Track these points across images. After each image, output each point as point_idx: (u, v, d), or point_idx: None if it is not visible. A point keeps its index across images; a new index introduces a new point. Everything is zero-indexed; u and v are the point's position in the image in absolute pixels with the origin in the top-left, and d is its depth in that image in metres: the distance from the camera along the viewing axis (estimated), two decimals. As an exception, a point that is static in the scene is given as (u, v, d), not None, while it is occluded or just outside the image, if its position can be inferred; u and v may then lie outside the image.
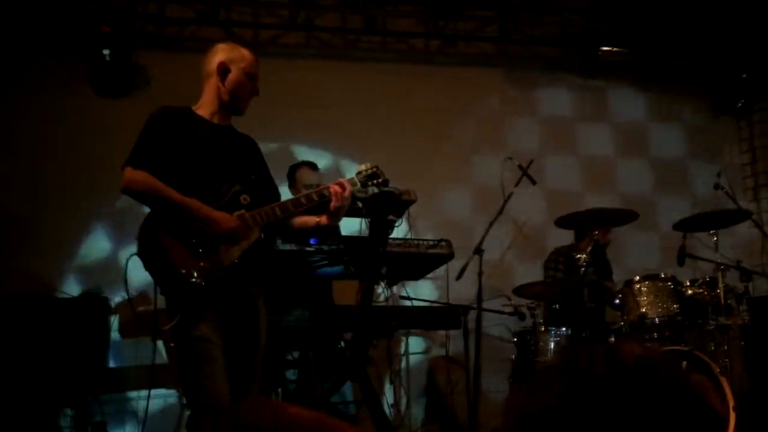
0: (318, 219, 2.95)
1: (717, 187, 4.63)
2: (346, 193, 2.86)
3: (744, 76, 6.22)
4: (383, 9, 5.61)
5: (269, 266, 2.85)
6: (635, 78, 6.29)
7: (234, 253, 2.64)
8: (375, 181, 2.94)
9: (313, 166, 4.51)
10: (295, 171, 4.48)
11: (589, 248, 4.20)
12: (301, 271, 3.70)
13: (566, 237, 5.20)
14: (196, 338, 2.53)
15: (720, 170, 4.64)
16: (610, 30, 5.98)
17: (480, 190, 5.70)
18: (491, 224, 4.47)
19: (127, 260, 2.67)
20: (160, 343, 4.99)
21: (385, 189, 3.16)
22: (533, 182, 4.56)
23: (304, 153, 5.32)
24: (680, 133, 6.43)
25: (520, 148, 5.63)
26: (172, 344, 2.71)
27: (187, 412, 4.96)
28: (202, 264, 2.57)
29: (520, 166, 4.56)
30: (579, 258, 4.04)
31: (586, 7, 5.94)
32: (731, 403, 3.89)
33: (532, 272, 5.34)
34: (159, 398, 4.93)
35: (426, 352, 5.53)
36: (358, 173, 2.94)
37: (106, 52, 4.89)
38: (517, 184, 4.54)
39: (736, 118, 6.52)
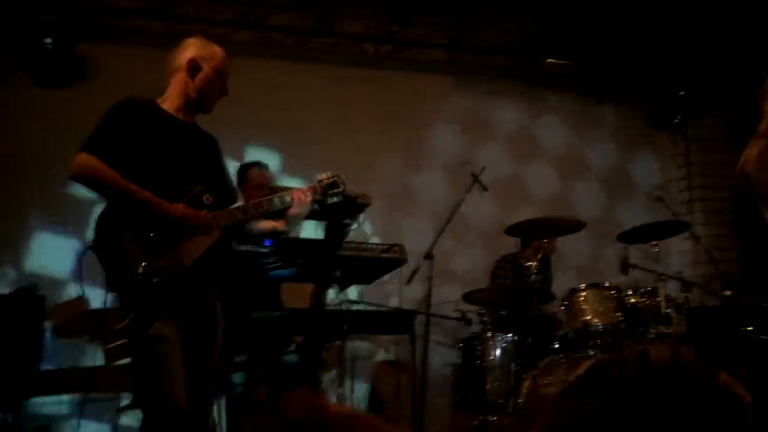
0: (275, 224, 2.91)
1: (658, 199, 4.78)
2: (308, 201, 2.86)
3: (681, 93, 6.46)
4: (337, 11, 5.57)
5: (226, 268, 2.78)
6: (578, 90, 6.45)
7: (194, 252, 2.56)
8: (334, 191, 2.94)
9: (264, 166, 4.44)
10: (246, 171, 4.39)
11: (539, 255, 4.27)
12: (254, 272, 3.63)
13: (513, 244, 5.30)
14: (153, 338, 2.45)
15: (661, 183, 4.78)
16: (558, 42, 6.10)
17: (428, 196, 5.75)
18: (442, 230, 4.51)
19: (81, 255, 2.55)
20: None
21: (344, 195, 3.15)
22: (484, 189, 4.60)
23: (253, 153, 5.24)
24: (620, 145, 6.62)
25: (469, 155, 5.69)
26: (124, 343, 2.62)
27: (124, 418, 4.89)
28: (160, 263, 2.49)
29: (472, 174, 4.60)
30: (530, 266, 4.10)
31: (537, 19, 6.05)
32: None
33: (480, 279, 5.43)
34: (96, 402, 4.78)
35: (369, 357, 5.51)
36: (319, 181, 2.94)
37: (48, 40, 4.69)
38: (468, 191, 4.58)
39: (673, 132, 6.76)
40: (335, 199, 2.93)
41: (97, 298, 4.69)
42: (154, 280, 2.44)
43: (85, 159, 2.53)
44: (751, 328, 4.47)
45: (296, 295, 4.47)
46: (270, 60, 5.59)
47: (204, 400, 2.61)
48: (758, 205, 2.57)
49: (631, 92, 6.59)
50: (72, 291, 4.79)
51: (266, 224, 2.92)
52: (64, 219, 4.92)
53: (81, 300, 4.71)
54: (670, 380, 0.76)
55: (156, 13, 5.21)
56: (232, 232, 2.79)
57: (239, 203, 2.80)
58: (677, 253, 6.11)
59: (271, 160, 5.12)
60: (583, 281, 5.26)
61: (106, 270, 2.51)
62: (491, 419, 4.26)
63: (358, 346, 5.38)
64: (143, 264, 2.45)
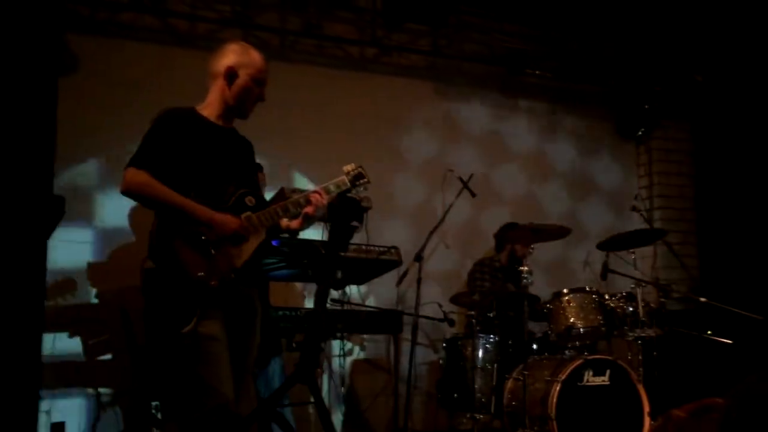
0: (288, 223, 2.98)
1: (634, 209, 5.02)
2: (324, 201, 2.93)
3: (646, 106, 6.75)
4: (324, 13, 5.64)
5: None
6: (550, 99, 6.67)
7: (244, 253, 2.63)
8: (361, 181, 3.02)
9: (259, 167, 4.47)
10: None
11: (525, 259, 4.44)
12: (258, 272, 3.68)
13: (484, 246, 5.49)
14: (205, 337, 2.49)
15: (637, 194, 5.01)
16: (533, 53, 6.31)
17: (406, 197, 5.87)
18: (431, 233, 4.63)
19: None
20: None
21: (349, 195, 3.24)
22: (473, 194, 4.74)
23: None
24: (585, 155, 6.87)
25: (444, 158, 5.87)
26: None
27: (104, 414, 4.85)
28: (215, 265, 2.55)
29: (460, 179, 4.74)
30: (522, 269, 4.25)
31: (514, 30, 6.24)
32: (646, 409, 4.25)
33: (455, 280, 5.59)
34: (75, 397, 4.74)
35: (347, 355, 5.59)
36: (347, 173, 3.00)
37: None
38: (458, 196, 4.71)
39: (636, 143, 7.05)
40: (363, 190, 3.00)
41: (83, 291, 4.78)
42: (212, 283, 2.50)
43: (135, 174, 2.60)
44: (710, 331, 4.74)
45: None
46: (256, 59, 5.60)
47: (242, 399, 2.66)
48: None
49: (599, 104, 6.85)
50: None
51: (283, 222, 2.98)
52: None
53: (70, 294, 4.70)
54: None
55: (146, 8, 5.17)
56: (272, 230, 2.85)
57: (278, 202, 2.86)
58: (641, 259, 6.39)
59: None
60: (551, 283, 5.52)
61: (165, 278, 2.56)
62: (478, 417, 4.41)
63: (331, 344, 5.46)
64: (203, 269, 2.50)
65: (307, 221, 2.98)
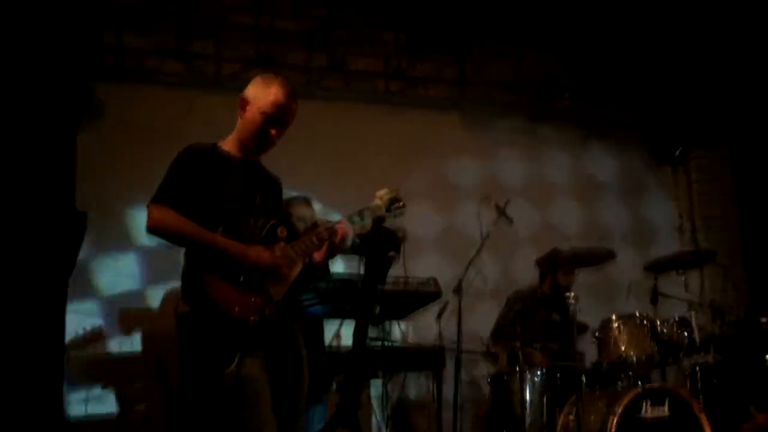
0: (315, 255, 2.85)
1: (680, 230, 4.81)
2: (351, 233, 2.80)
3: (682, 127, 6.57)
4: (348, 48, 5.60)
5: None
6: (581, 124, 6.52)
7: (282, 287, 2.50)
8: (397, 205, 2.85)
9: (307, 200, 4.40)
10: (289, 204, 4.38)
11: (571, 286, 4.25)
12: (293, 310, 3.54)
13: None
14: (246, 378, 2.34)
15: (681, 213, 4.82)
16: (561, 78, 6.19)
17: (443, 230, 5.74)
18: (469, 264, 4.47)
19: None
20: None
21: (385, 226, 3.12)
22: (510, 221, 4.59)
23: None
24: (621, 179, 6.69)
25: (482, 190, 5.70)
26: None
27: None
28: (253, 300, 2.42)
29: (497, 206, 4.58)
30: (568, 296, 4.06)
31: (542, 56, 6.15)
32: (710, 440, 3.99)
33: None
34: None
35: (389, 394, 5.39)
36: (380, 198, 2.82)
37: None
38: (495, 224, 4.56)
39: (673, 165, 6.85)
40: (400, 213, 2.84)
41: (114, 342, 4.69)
42: (252, 319, 2.36)
43: (156, 211, 2.47)
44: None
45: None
46: (282, 97, 5.56)
47: None
48: None
49: (633, 127, 6.68)
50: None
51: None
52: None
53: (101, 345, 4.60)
54: None
55: (171, 53, 5.17)
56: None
57: (311, 232, 2.72)
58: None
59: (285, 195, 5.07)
60: (592, 310, 5.28)
61: (200, 317, 2.42)
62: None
63: (372, 384, 5.27)
64: (240, 305, 2.38)
65: (332, 252, 2.81)
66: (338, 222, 2.79)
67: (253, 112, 2.62)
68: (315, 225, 3.47)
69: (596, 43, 6.26)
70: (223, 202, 2.54)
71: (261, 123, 2.61)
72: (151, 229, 2.49)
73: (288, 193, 5.13)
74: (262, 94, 2.64)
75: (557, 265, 4.91)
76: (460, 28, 5.47)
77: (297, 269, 2.57)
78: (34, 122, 2.58)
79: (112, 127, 4.92)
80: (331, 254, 2.83)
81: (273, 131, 2.63)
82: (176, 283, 2.88)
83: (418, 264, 5.31)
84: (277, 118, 2.63)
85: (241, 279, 2.44)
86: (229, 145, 2.68)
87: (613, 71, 6.40)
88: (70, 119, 2.79)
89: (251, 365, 2.36)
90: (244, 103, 2.64)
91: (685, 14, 5.87)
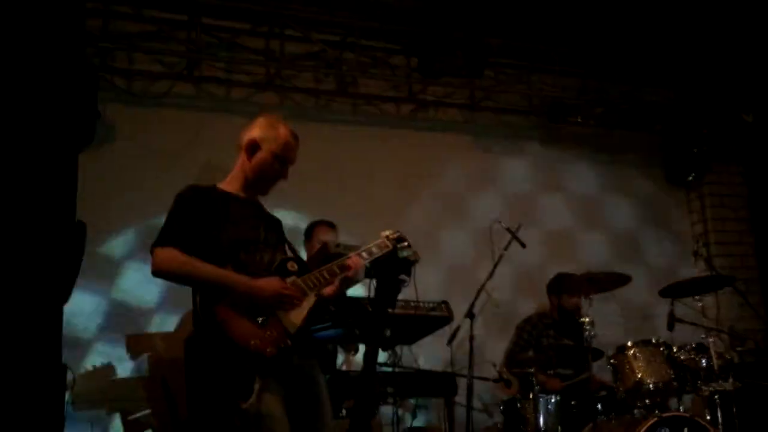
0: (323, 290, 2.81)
1: (696, 254, 4.72)
2: (361, 264, 2.82)
3: (695, 150, 6.50)
4: (358, 71, 5.58)
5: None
6: (593, 148, 6.46)
7: (296, 318, 2.44)
8: (403, 245, 2.91)
9: (331, 225, 4.42)
10: (313, 228, 4.47)
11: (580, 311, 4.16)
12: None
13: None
14: (264, 416, 2.27)
15: (698, 238, 4.74)
16: (574, 100, 6.15)
17: (454, 254, 5.66)
18: (482, 287, 4.39)
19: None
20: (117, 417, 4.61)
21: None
22: (523, 245, 4.51)
23: (277, 214, 5.12)
24: (634, 204, 6.60)
25: (492, 214, 5.62)
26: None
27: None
28: (268, 333, 2.36)
29: (509, 230, 4.52)
30: (584, 321, 3.97)
31: (554, 79, 6.12)
32: (731, 470, 3.86)
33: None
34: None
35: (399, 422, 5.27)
36: (387, 237, 2.93)
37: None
38: (506, 248, 4.48)
39: (687, 189, 6.77)
40: (406, 253, 2.86)
41: (121, 366, 4.61)
42: (269, 351, 2.30)
43: (160, 253, 2.44)
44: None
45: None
46: (292, 120, 5.50)
47: None
48: None
49: (646, 150, 6.62)
50: (96, 357, 4.56)
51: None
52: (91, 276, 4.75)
53: (108, 368, 4.53)
54: None
55: (181, 76, 5.17)
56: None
57: (323, 266, 2.69)
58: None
59: (296, 219, 5.02)
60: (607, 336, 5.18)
61: (214, 352, 2.37)
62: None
63: (382, 412, 5.16)
64: (256, 338, 2.33)
65: (345, 286, 2.81)
66: (349, 257, 2.78)
67: (265, 155, 2.67)
68: (324, 246, 3.43)
69: (608, 66, 6.23)
70: (229, 239, 2.52)
71: (274, 164, 2.68)
72: (157, 272, 2.46)
73: (298, 218, 5.14)
74: (272, 136, 2.70)
75: (560, 289, 4.89)
76: (471, 52, 5.44)
77: (310, 301, 2.53)
78: (35, 133, 2.55)
79: (122, 149, 4.89)
80: (344, 288, 2.81)
81: (285, 171, 2.73)
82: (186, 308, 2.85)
83: (428, 288, 5.24)
84: (288, 159, 2.72)
85: (253, 311, 2.39)
86: (230, 185, 2.69)
87: (626, 95, 6.37)
88: (73, 131, 2.75)
89: (270, 403, 2.29)
90: (253, 146, 2.67)
91: (694, 36, 5.85)
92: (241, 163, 2.69)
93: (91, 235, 4.71)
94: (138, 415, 4.59)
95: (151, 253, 2.48)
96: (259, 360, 2.31)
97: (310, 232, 4.47)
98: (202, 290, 2.42)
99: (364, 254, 2.86)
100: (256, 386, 2.26)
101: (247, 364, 2.31)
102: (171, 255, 2.41)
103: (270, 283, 2.46)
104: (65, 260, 2.53)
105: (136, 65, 5.12)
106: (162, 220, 2.66)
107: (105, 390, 4.49)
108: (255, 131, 2.70)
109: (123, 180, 4.82)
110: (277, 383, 2.37)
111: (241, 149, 2.72)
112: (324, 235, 4.21)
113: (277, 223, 2.89)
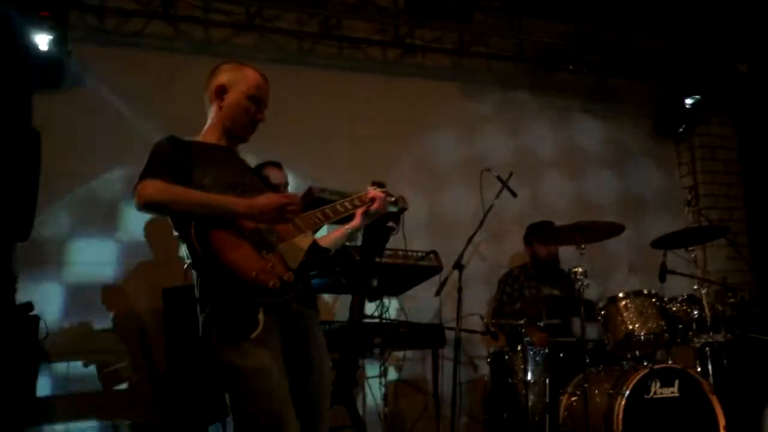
0: (343, 230, 2.68)
1: (689, 204, 4.62)
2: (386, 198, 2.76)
3: (687, 101, 6.35)
4: (343, 14, 5.33)
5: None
6: (583, 97, 6.30)
7: (297, 254, 2.29)
8: (390, 199, 2.82)
9: (278, 165, 4.19)
10: (260, 171, 4.15)
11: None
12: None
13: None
14: (253, 371, 2.13)
15: (691, 188, 4.62)
16: (566, 47, 5.96)
17: (441, 203, 5.52)
18: (471, 238, 4.25)
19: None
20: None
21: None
22: (514, 195, 4.37)
23: (254, 161, 4.93)
24: (624, 153, 6.48)
25: (481, 162, 5.47)
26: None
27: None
28: (270, 265, 2.20)
29: (499, 178, 4.37)
30: (575, 272, 3.86)
31: (546, 25, 5.92)
32: (722, 423, 3.82)
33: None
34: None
35: (385, 373, 5.19)
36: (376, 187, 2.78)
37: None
38: (497, 197, 4.34)
39: (676, 141, 6.65)
40: (393, 208, 2.81)
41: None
42: (272, 283, 2.14)
43: (153, 184, 2.24)
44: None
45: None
46: (274, 64, 5.29)
47: None
48: None
49: (636, 100, 6.47)
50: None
51: (337, 233, 2.68)
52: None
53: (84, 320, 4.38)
54: None
55: (156, 14, 4.90)
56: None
57: (320, 208, 2.53)
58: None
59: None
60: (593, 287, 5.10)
61: (212, 284, 2.22)
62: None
63: (366, 364, 5.07)
64: (259, 270, 2.17)
65: (368, 218, 2.70)
66: (367, 191, 2.73)
67: (235, 97, 2.51)
68: (309, 191, 3.26)
69: (600, 14, 6.04)
70: (217, 181, 2.34)
71: (248, 106, 2.52)
72: (147, 203, 2.24)
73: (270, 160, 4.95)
74: (239, 77, 2.54)
75: (531, 239, 4.85)
76: (461, -7, 5.22)
77: (308, 238, 2.38)
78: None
79: (94, 92, 4.65)
80: (367, 220, 2.72)
81: (261, 113, 2.55)
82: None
83: (414, 238, 5.11)
84: (261, 99, 2.55)
85: (254, 240, 2.22)
86: (208, 137, 2.53)
87: (618, 43, 6.18)
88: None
89: (261, 355, 2.14)
90: (221, 91, 2.51)
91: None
92: (215, 112, 2.53)
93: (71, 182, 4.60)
94: (114, 367, 4.45)
95: (135, 189, 2.28)
96: (261, 292, 2.15)
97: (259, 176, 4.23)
98: (196, 219, 2.23)
99: (356, 202, 2.70)
100: (261, 317, 2.11)
101: (249, 295, 2.14)
102: (160, 185, 2.23)
103: (269, 197, 2.31)
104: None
105: (109, 2, 4.84)
106: (136, 167, 2.49)
107: (81, 342, 4.34)
108: (221, 77, 2.54)
109: (94, 124, 4.58)
110: (275, 331, 2.22)
111: (211, 101, 2.55)
112: (274, 177, 4.00)
113: (256, 169, 2.79)
